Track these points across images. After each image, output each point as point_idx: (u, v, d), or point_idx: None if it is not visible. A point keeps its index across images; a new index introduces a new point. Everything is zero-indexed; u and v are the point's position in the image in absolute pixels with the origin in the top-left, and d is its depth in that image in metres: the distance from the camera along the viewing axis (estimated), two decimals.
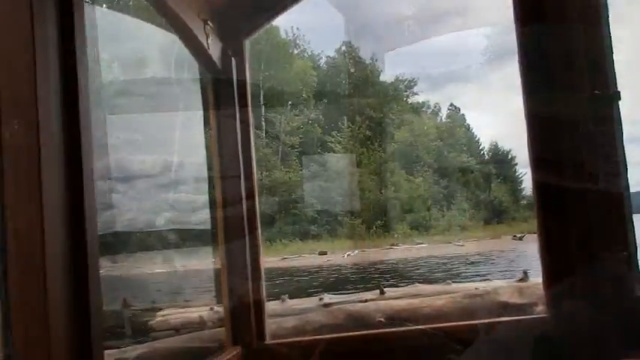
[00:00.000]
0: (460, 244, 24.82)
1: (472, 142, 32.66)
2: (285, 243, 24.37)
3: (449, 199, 29.07)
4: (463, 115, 33.01)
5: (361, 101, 30.41)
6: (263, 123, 28.22)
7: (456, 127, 32.21)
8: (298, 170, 27.54)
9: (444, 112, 32.97)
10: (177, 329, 6.88)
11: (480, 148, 33.06)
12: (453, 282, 10.32)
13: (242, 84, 2.01)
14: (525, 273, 7.89)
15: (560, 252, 1.90)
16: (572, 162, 1.84)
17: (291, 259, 22.09)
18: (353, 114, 29.76)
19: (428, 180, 29.33)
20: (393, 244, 25.87)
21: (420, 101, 32.64)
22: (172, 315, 7.34)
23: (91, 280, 0.91)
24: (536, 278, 7.01)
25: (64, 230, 0.87)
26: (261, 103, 28.26)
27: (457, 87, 39.38)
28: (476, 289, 6.94)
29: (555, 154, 1.90)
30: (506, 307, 5.60)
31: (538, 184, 1.96)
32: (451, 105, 32.89)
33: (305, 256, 22.93)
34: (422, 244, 25.81)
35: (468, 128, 32.79)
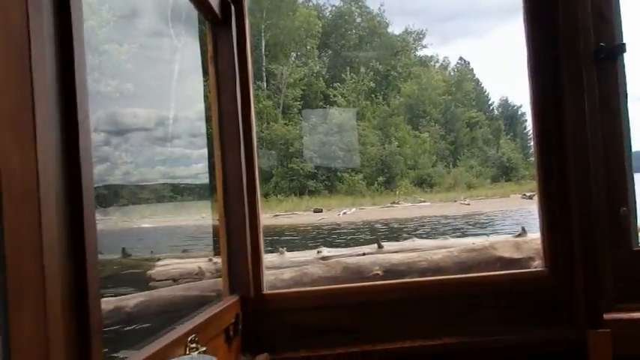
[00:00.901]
0: (466, 202, 23.66)
1: (481, 96, 32.05)
2: (281, 199, 23.64)
3: (455, 156, 28.45)
4: (472, 69, 32.27)
5: (367, 53, 29.74)
6: (264, 74, 27.49)
7: (465, 81, 31.34)
8: (299, 124, 26.84)
9: (452, 66, 32.33)
10: (176, 279, 7.00)
11: (490, 103, 32.55)
12: (451, 237, 10.43)
13: (241, 32, 1.98)
14: (523, 229, 7.98)
15: (559, 207, 1.92)
16: (574, 117, 1.84)
17: (283, 217, 21.33)
18: (357, 66, 29.11)
19: (434, 135, 28.49)
20: (394, 202, 24.80)
21: (429, 55, 31.98)
22: (171, 265, 7.46)
23: (87, 227, 0.92)
24: (535, 234, 7.10)
25: (60, 177, 0.88)
26: (263, 53, 27.50)
27: (467, 41, 38.51)
28: (473, 243, 7.02)
29: (557, 110, 1.90)
30: (503, 262, 5.69)
31: (539, 140, 1.96)
32: (460, 59, 32.23)
33: (298, 214, 22.00)
34: (425, 202, 24.68)
35: (477, 82, 32.11)
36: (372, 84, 28.32)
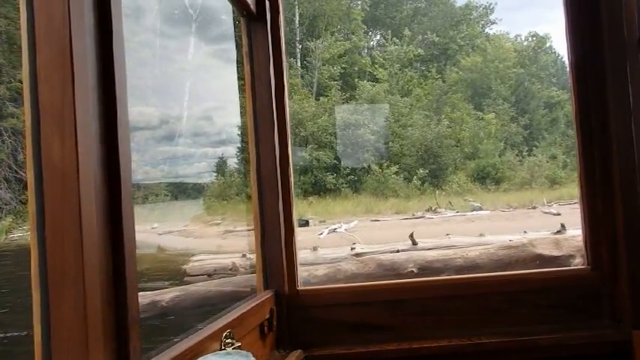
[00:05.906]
0: (553, 211, 15.33)
1: (562, 72, 27.28)
2: None
3: (530, 142, 23.69)
4: (551, 43, 27.32)
5: (422, 24, 26.51)
6: (298, 50, 24.83)
7: (542, 53, 26.83)
8: (332, 103, 22.48)
9: (525, 36, 28.21)
10: (210, 274, 7.10)
11: None
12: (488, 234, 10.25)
13: (276, 28, 1.97)
14: (563, 225, 7.81)
15: (602, 201, 1.87)
16: (618, 108, 1.78)
17: (228, 236, 14.05)
18: (401, 30, 25.69)
19: (502, 116, 23.81)
20: (430, 209, 17.88)
21: (497, 32, 27.94)
22: (205, 261, 7.57)
23: (125, 218, 0.94)
24: (575, 230, 6.95)
25: (99, 168, 0.91)
26: (297, 26, 24.86)
27: (541, 21, 33.38)
28: (510, 240, 6.91)
29: (600, 101, 1.84)
30: (542, 259, 5.58)
31: (581, 132, 1.91)
32: (534, 33, 28.02)
33: None
34: (480, 209, 16.78)
35: (557, 55, 27.49)
36: (419, 50, 24.41)
